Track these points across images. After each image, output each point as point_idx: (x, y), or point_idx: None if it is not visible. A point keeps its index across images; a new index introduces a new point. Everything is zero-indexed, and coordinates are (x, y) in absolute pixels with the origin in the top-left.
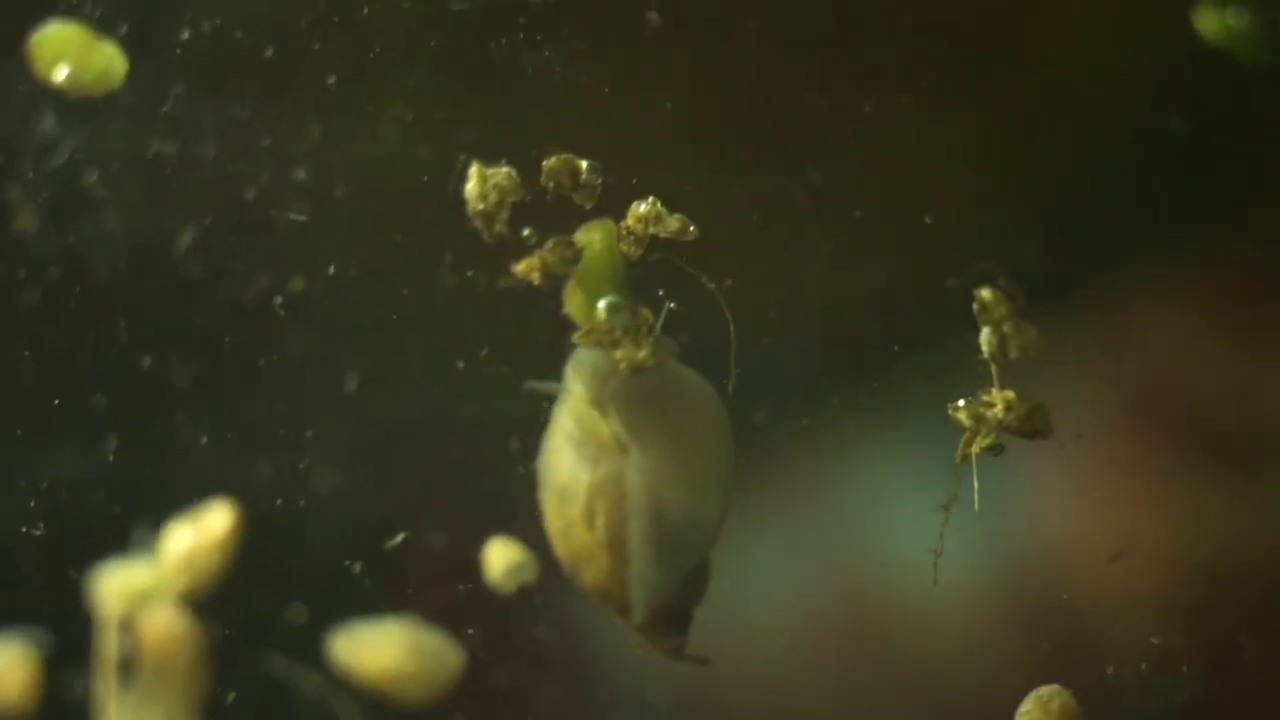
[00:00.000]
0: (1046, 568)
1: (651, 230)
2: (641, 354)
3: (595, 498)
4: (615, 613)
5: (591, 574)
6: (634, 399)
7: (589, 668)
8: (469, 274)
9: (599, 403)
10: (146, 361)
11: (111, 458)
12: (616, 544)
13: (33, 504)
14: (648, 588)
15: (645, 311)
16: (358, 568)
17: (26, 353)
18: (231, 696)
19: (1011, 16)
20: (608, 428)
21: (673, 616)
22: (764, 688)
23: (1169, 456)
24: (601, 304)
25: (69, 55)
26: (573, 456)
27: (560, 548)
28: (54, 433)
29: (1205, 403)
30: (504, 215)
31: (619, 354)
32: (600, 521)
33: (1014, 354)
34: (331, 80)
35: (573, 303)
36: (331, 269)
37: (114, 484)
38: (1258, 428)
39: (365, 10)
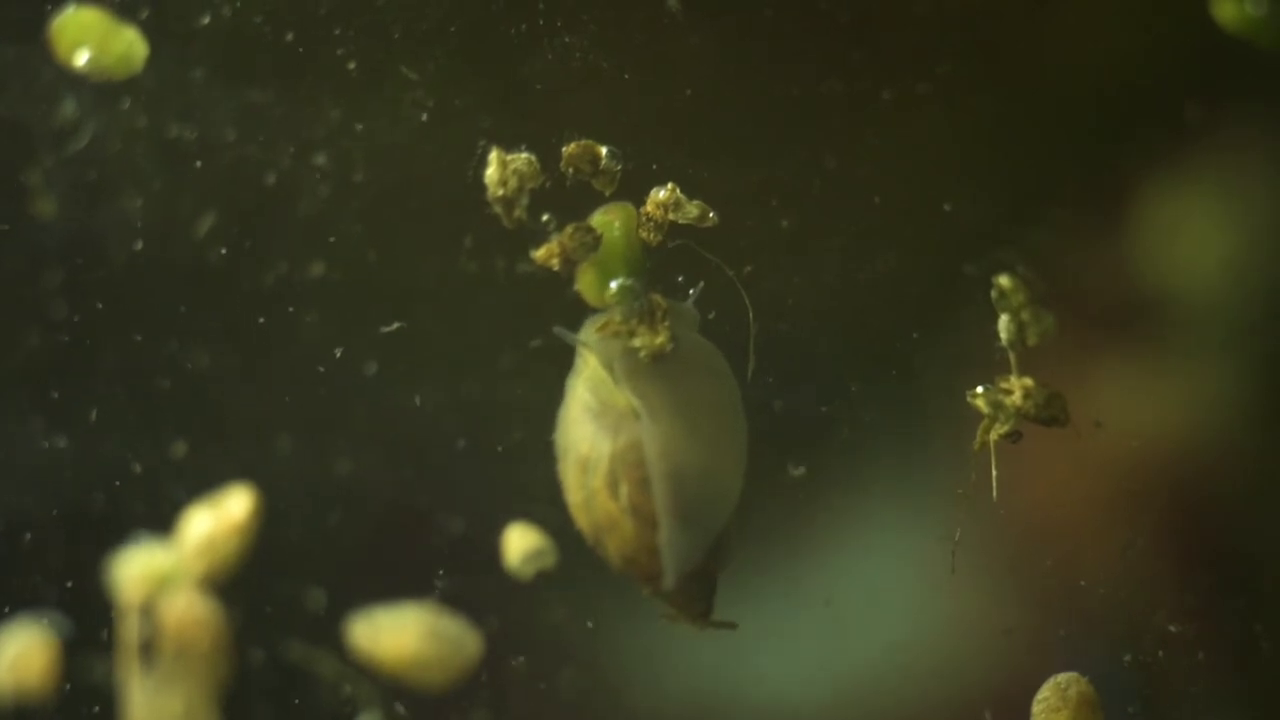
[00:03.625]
0: (1063, 555)
1: (671, 216)
2: (659, 340)
3: (618, 466)
4: (642, 581)
5: (616, 543)
6: (642, 367)
7: (607, 654)
8: (488, 260)
9: (609, 370)
10: (166, 346)
11: (131, 441)
12: (642, 511)
13: (51, 488)
14: (678, 553)
15: (658, 297)
16: (376, 553)
17: (45, 337)
18: (250, 680)
19: (1029, 4)
20: (625, 397)
21: (699, 583)
22: (777, 674)
23: (1185, 443)
24: (613, 284)
25: (90, 40)
26: (592, 427)
27: (582, 519)
28: (72, 417)
29: (1230, 385)
30: (523, 201)
31: (637, 342)
32: (624, 490)
33: (1032, 341)
34: (352, 65)
35: (584, 282)
36: (350, 254)
37: (133, 467)
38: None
39: None
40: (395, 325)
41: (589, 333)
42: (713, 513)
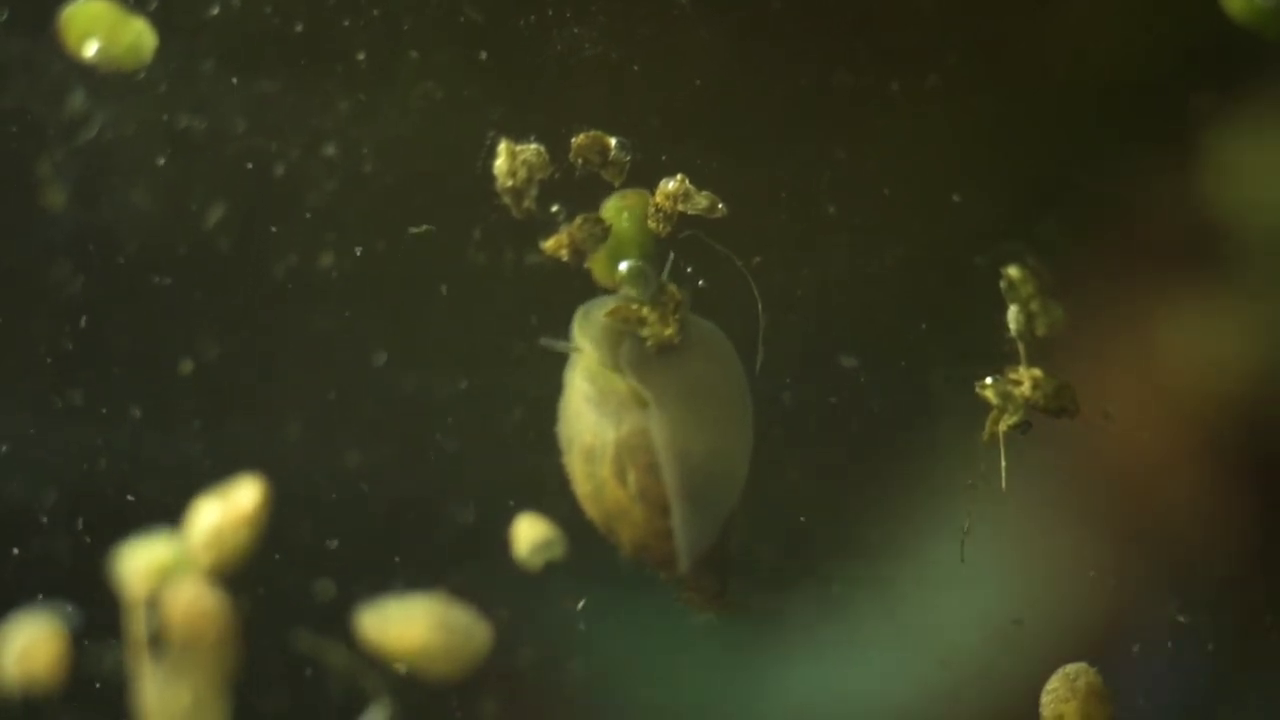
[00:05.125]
0: (1072, 545)
1: (680, 207)
2: (669, 331)
3: (624, 454)
4: (656, 567)
5: (628, 531)
6: (647, 355)
7: (617, 645)
8: (498, 250)
9: (612, 361)
10: (175, 337)
11: (140, 432)
12: (651, 497)
13: (60, 478)
14: (691, 536)
15: (672, 287)
16: (386, 543)
17: (55, 327)
18: (259, 671)
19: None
20: (624, 384)
21: (712, 566)
22: (787, 665)
23: (1194, 434)
24: (623, 266)
25: (99, 31)
26: (594, 416)
27: (593, 509)
28: (82, 407)
29: (1233, 383)
30: (533, 192)
31: (646, 333)
32: (632, 477)
33: (1041, 332)
34: (361, 56)
35: (598, 264)
36: (360, 245)
37: (142, 459)
38: None
39: None
40: (424, 228)
41: (591, 325)
42: (721, 494)
